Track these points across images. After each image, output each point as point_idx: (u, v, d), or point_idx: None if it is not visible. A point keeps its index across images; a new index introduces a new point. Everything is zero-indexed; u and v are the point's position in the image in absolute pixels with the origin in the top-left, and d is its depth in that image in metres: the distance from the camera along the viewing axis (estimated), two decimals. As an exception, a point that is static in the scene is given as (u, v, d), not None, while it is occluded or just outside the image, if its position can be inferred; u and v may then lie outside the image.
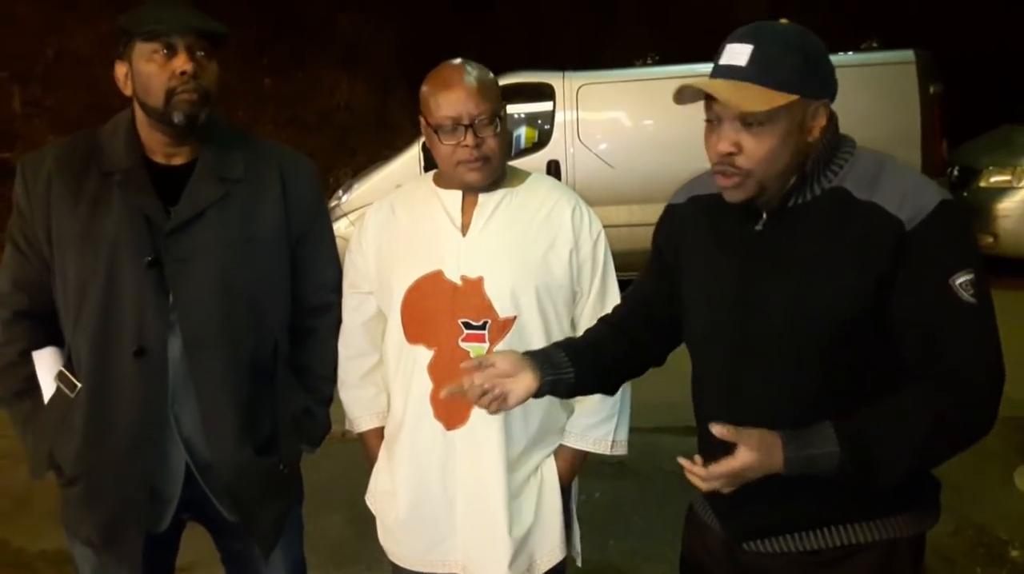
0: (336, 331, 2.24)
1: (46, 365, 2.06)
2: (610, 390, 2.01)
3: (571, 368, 1.80)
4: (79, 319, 1.99)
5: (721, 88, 1.58)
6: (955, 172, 8.66)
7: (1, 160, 12.16)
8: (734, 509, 1.78)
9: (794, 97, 1.57)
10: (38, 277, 2.03)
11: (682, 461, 1.60)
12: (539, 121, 8.47)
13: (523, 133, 8.49)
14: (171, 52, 1.92)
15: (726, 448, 1.57)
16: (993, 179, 8.49)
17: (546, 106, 8.31)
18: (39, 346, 2.06)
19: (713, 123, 1.64)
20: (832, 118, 1.66)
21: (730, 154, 1.61)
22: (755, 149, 1.59)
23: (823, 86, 1.63)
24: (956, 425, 1.57)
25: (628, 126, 8.32)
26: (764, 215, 1.70)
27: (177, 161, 2.04)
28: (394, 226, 2.14)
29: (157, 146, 2.02)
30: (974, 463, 4.21)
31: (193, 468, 2.06)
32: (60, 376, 2.03)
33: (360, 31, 14.06)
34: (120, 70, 2.00)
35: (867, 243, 1.57)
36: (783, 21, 1.67)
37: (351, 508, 4.03)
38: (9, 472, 4.89)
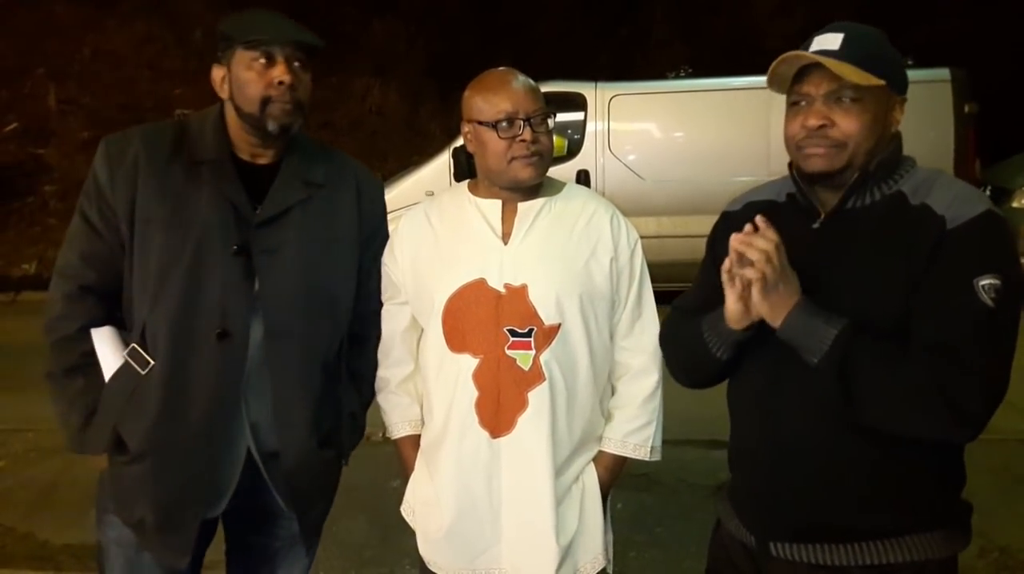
0: (379, 339, 2.27)
1: (108, 343, 2.06)
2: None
3: None
4: (158, 299, 2.00)
5: (823, 60, 1.64)
6: (987, 191, 8.58)
7: (35, 156, 12.32)
8: (762, 508, 1.78)
9: (883, 82, 1.64)
10: (108, 254, 2.05)
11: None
12: (570, 131, 8.47)
13: (553, 142, 8.46)
14: (270, 62, 1.97)
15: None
16: (1025, 199, 8.41)
17: (577, 116, 8.33)
18: (98, 324, 2.06)
19: (800, 104, 1.71)
20: (898, 130, 1.74)
21: (822, 127, 1.66)
22: (847, 123, 1.66)
23: (903, 83, 1.73)
24: (940, 397, 1.52)
25: (658, 138, 8.31)
26: (822, 215, 1.74)
27: (262, 161, 2.09)
28: (429, 235, 2.15)
29: (244, 145, 2.08)
30: (1000, 485, 4.20)
31: (256, 455, 2.09)
32: (132, 353, 2.04)
33: (394, 39, 14.15)
34: (217, 73, 2.04)
35: (913, 244, 1.60)
36: None
37: (374, 510, 4.07)
38: (35, 465, 4.95)
